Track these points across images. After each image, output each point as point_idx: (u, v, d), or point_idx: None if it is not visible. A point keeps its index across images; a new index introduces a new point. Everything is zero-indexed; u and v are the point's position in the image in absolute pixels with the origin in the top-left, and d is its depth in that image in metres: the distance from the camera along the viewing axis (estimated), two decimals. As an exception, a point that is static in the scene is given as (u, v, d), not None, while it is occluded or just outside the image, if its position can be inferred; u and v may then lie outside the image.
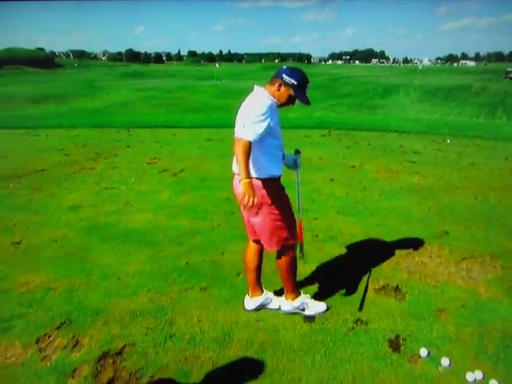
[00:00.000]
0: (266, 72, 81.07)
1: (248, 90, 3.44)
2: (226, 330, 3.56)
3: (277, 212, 3.36)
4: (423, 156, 10.50)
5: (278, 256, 3.58)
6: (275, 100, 3.32)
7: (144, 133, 13.69)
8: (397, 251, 5.01)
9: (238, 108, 3.37)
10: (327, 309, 3.74)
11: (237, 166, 3.21)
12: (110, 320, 3.68)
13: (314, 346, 3.35)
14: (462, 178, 8.40)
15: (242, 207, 3.40)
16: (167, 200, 6.91)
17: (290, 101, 3.36)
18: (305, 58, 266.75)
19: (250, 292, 3.83)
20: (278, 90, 3.29)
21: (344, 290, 4.17)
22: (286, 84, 3.26)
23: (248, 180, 3.07)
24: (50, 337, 3.43)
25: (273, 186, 3.35)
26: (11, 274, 4.48)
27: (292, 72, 3.31)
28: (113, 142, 12.13)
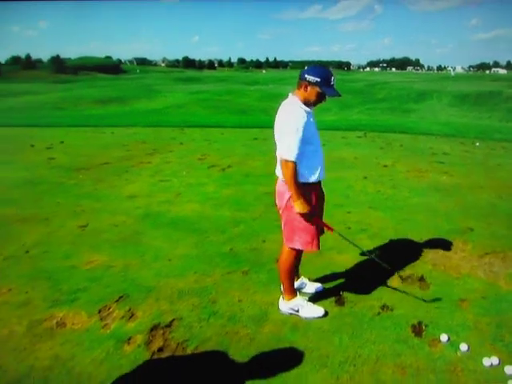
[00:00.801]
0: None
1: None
2: (263, 310, 3.60)
3: (301, 215, 3.24)
4: (451, 157, 10.24)
5: (283, 254, 3.49)
6: (308, 104, 3.21)
7: (195, 132, 13.82)
8: (422, 244, 4.93)
9: (275, 113, 3.32)
10: (325, 314, 3.51)
11: (282, 177, 3.20)
12: (161, 296, 3.77)
13: (342, 328, 3.35)
14: (487, 177, 8.16)
15: (277, 206, 3.44)
16: (214, 192, 6.97)
17: (320, 98, 3.20)
18: (344, 66, 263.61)
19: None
20: (306, 91, 3.16)
21: (372, 278, 4.14)
22: (311, 83, 3.12)
23: (301, 200, 3.13)
24: (109, 308, 3.56)
25: (306, 190, 3.23)
26: (77, 253, 4.64)
27: (313, 70, 3.16)
28: (168, 139, 12.29)
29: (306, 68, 3.25)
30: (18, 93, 42.08)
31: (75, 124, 15.77)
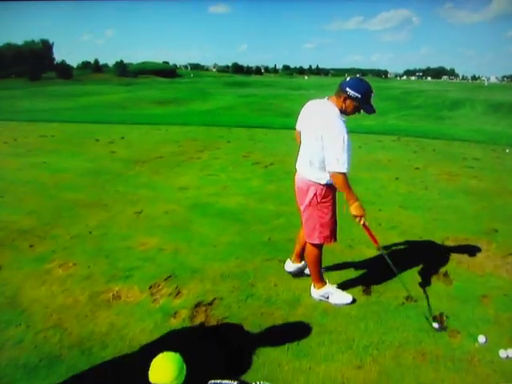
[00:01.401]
0: (348, 85, 79.41)
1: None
2: (297, 295, 3.63)
3: (325, 211, 3.29)
4: (482, 162, 9.92)
5: (308, 247, 3.48)
6: (344, 113, 3.11)
7: (242, 131, 13.91)
8: (449, 242, 4.84)
9: (306, 108, 3.31)
10: (353, 301, 3.49)
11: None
12: (205, 278, 3.86)
13: (368, 315, 3.35)
14: (516, 183, 7.90)
15: (298, 201, 3.45)
16: (257, 187, 7.02)
17: (355, 110, 3.11)
18: (382, 74, 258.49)
19: (293, 257, 3.88)
20: (344, 103, 3.05)
21: (400, 271, 4.10)
22: (351, 97, 3.01)
23: (357, 203, 3.12)
24: (158, 286, 3.68)
25: (326, 191, 3.23)
26: (133, 235, 4.80)
27: (356, 85, 3.04)
28: (216, 137, 12.43)
29: (348, 79, 3.13)
30: (87, 93, 43.44)
31: (135, 122, 16.16)
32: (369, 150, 10.84)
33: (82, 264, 4.08)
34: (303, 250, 3.75)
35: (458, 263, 4.34)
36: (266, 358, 2.81)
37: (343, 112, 3.12)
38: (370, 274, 4.05)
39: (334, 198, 3.35)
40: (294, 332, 3.11)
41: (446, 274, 4.06)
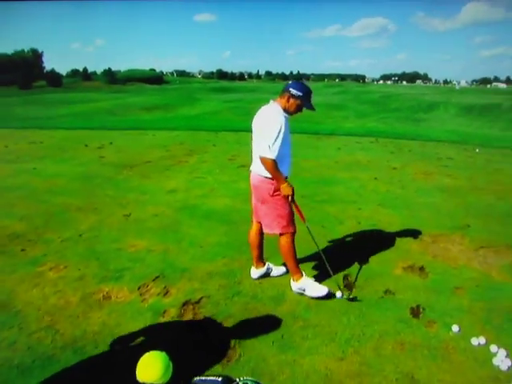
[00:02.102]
0: (327, 89, 79.76)
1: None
2: (281, 291, 3.65)
3: (279, 203, 3.36)
4: (455, 161, 10.07)
5: (280, 241, 3.52)
6: (287, 112, 3.32)
7: (228, 135, 13.91)
8: (425, 238, 4.90)
9: (255, 114, 3.42)
10: (328, 293, 3.47)
11: (260, 172, 3.33)
12: (193, 277, 3.85)
13: (350, 309, 3.37)
14: (487, 181, 8.00)
15: (252, 196, 3.57)
16: (243, 189, 6.96)
17: (298, 110, 3.34)
18: (360, 79, 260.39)
19: (255, 264, 3.85)
20: (288, 101, 3.28)
21: (378, 267, 4.15)
22: (294, 96, 3.25)
23: (285, 184, 3.26)
24: (148, 286, 3.67)
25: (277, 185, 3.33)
26: (123, 237, 4.77)
27: (298, 85, 3.31)
28: (204, 141, 12.41)
29: (291, 82, 3.43)
30: (77, 101, 42.86)
31: (123, 127, 16.03)
32: (348, 152, 10.93)
33: (73, 266, 4.04)
34: (261, 253, 3.82)
35: (434, 257, 4.40)
36: (251, 352, 2.82)
37: (286, 111, 3.33)
38: (351, 270, 4.08)
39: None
40: (278, 327, 3.12)
41: (422, 268, 4.12)
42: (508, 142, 15.14)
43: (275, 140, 3.13)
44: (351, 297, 3.50)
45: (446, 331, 3.08)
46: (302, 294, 3.56)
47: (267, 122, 3.21)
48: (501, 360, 2.75)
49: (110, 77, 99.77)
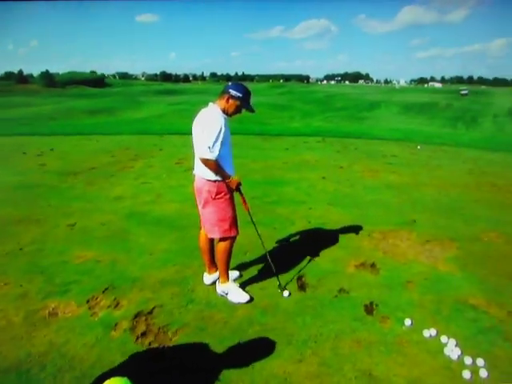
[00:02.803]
0: (272, 90, 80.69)
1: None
2: (236, 296, 3.61)
3: (220, 207, 3.37)
4: (399, 159, 10.45)
5: (219, 244, 3.54)
6: (226, 113, 3.33)
7: (174, 139, 13.67)
8: (375, 235, 5.04)
9: (195, 116, 3.41)
10: (250, 299, 3.51)
11: (202, 172, 3.34)
12: (144, 287, 3.74)
13: (305, 310, 3.39)
14: (429, 176, 8.38)
15: (197, 201, 3.56)
16: (191, 193, 6.79)
17: (237, 111, 3.37)
18: (304, 79, 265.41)
19: (207, 270, 3.83)
20: (227, 102, 3.30)
21: (331, 266, 4.21)
22: (233, 97, 3.28)
23: (231, 179, 3.32)
24: (97, 298, 3.51)
25: (219, 188, 3.33)
26: (69, 249, 4.56)
27: (237, 87, 3.34)
28: (149, 146, 12.13)
29: (230, 83, 3.42)
30: (11, 105, 40.91)
31: (64, 133, 15.41)
32: (296, 152, 11.06)
33: (14, 283, 3.79)
34: (213, 258, 3.78)
35: (384, 253, 4.52)
36: (209, 361, 2.77)
37: (226, 112, 3.34)
38: (304, 270, 4.11)
39: (229, 193, 3.42)
40: (235, 333, 3.08)
41: (373, 265, 4.22)
42: (446, 138, 15.95)
43: (215, 141, 3.13)
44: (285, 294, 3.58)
45: (399, 326, 3.18)
46: (223, 297, 3.57)
47: (206, 124, 3.19)
48: (451, 350, 2.88)
49: (48, 79, 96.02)
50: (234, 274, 3.92)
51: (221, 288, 3.60)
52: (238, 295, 3.54)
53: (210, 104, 3.37)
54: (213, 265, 3.81)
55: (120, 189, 7.17)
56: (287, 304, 3.48)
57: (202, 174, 3.35)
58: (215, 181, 3.30)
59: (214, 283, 3.77)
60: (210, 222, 3.46)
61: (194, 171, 3.48)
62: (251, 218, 3.64)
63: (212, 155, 3.14)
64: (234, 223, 3.47)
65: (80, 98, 54.98)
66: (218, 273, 3.77)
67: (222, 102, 3.31)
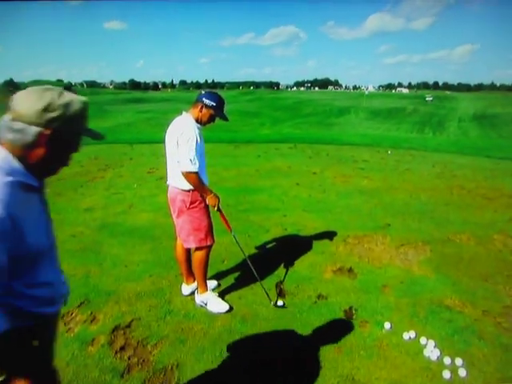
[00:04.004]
0: (243, 97, 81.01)
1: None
2: (214, 306, 3.59)
3: (195, 216, 3.35)
4: (370, 164, 10.64)
5: (195, 253, 3.51)
6: (199, 122, 3.30)
7: (144, 148, 13.54)
8: (350, 240, 5.10)
9: (167, 126, 3.37)
10: (229, 309, 3.51)
11: (176, 185, 3.31)
12: (120, 300, 3.68)
13: (285, 317, 3.40)
14: (400, 180, 8.56)
15: (171, 210, 3.49)
16: (164, 202, 6.65)
17: (211, 119, 3.34)
18: (274, 86, 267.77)
19: (185, 280, 3.80)
20: (201, 111, 3.27)
21: (309, 272, 4.24)
22: (207, 106, 3.26)
23: (211, 195, 3.29)
24: (72, 313, 3.42)
25: (193, 197, 3.30)
26: (38, 264, 4.43)
27: (211, 96, 3.32)
28: (119, 155, 11.97)
29: (204, 92, 3.39)
30: (-29, 115, 39.67)
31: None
32: (268, 158, 11.12)
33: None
34: (190, 267, 3.76)
35: (360, 258, 4.59)
36: (190, 373, 2.74)
37: (199, 121, 3.31)
38: (283, 278, 4.13)
39: (204, 203, 3.38)
40: (215, 344, 3.06)
41: (350, 270, 4.28)
42: (414, 143, 16.35)
43: (195, 153, 3.12)
44: (279, 304, 3.56)
45: (378, 329, 3.23)
46: (202, 307, 3.54)
47: (183, 136, 3.15)
48: (430, 351, 2.94)
49: (13, 88, 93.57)
50: (211, 283, 3.90)
51: (200, 298, 3.57)
52: (217, 305, 3.53)
53: (184, 113, 3.35)
54: (190, 275, 3.78)
55: (90, 200, 7.03)
56: (267, 312, 3.48)
57: (176, 184, 3.32)
58: (189, 190, 3.27)
59: (192, 293, 3.74)
60: (185, 232, 3.43)
61: (168, 181, 3.43)
62: (235, 239, 3.62)
63: (195, 167, 3.12)
64: (209, 232, 3.45)
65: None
66: (195, 283, 3.74)
67: (196, 111, 3.29)
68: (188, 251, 3.69)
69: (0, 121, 1.34)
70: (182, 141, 3.13)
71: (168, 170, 3.41)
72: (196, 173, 3.15)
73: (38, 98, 1.33)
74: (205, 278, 3.59)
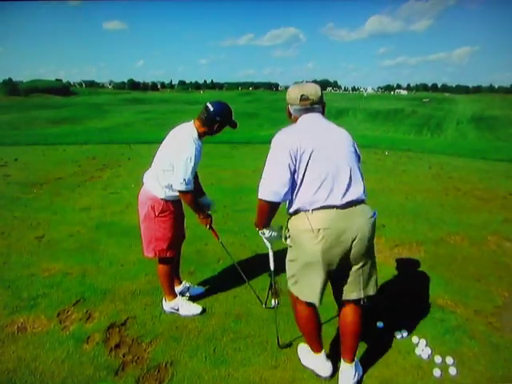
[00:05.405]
0: (242, 97, 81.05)
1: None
2: (209, 305, 3.62)
3: (162, 226, 3.25)
4: (366, 165, 10.63)
5: (158, 264, 3.44)
6: (205, 133, 3.21)
7: (142, 147, 13.49)
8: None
9: (169, 125, 3.37)
10: (203, 310, 3.50)
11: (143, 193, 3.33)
12: (116, 298, 3.71)
13: (279, 316, 3.41)
14: (396, 182, 8.60)
15: (139, 212, 3.42)
16: None
17: (220, 130, 3.26)
18: (273, 87, 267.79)
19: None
20: (216, 130, 3.22)
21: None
22: (222, 124, 3.20)
23: (202, 216, 3.37)
24: (68, 311, 3.46)
25: (164, 206, 3.22)
26: (36, 262, 4.46)
27: (221, 111, 3.17)
28: (117, 155, 11.98)
29: (212, 109, 3.14)
30: (-29, 114, 39.63)
31: (29, 142, 15.02)
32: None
33: (-21, 298, 3.70)
34: (177, 271, 3.79)
35: (354, 258, 4.61)
36: (184, 370, 2.77)
37: (206, 133, 3.23)
38: (277, 277, 4.14)
39: (174, 214, 3.32)
40: (210, 341, 3.09)
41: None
42: (411, 144, 16.38)
43: (188, 171, 3.03)
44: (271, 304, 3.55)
45: (371, 328, 3.25)
46: (173, 313, 3.49)
47: (179, 152, 3.05)
48: (422, 350, 2.97)
49: (11, 88, 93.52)
50: (198, 289, 3.89)
51: (169, 305, 3.50)
52: (189, 308, 3.49)
53: (190, 125, 3.21)
54: (177, 279, 3.79)
55: (88, 199, 7.06)
56: (261, 311, 3.51)
57: (151, 187, 3.24)
58: (162, 199, 3.20)
59: (181, 294, 3.72)
60: (146, 239, 3.32)
61: (144, 179, 3.37)
62: (225, 249, 3.66)
63: (188, 187, 3.08)
64: (172, 244, 3.35)
65: (44, 107, 53.73)
66: (182, 284, 3.78)
67: (205, 128, 3.17)
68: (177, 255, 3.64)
69: None
70: (179, 159, 3.03)
71: (149, 170, 3.36)
72: (191, 192, 3.13)
73: None
74: (170, 287, 3.52)
